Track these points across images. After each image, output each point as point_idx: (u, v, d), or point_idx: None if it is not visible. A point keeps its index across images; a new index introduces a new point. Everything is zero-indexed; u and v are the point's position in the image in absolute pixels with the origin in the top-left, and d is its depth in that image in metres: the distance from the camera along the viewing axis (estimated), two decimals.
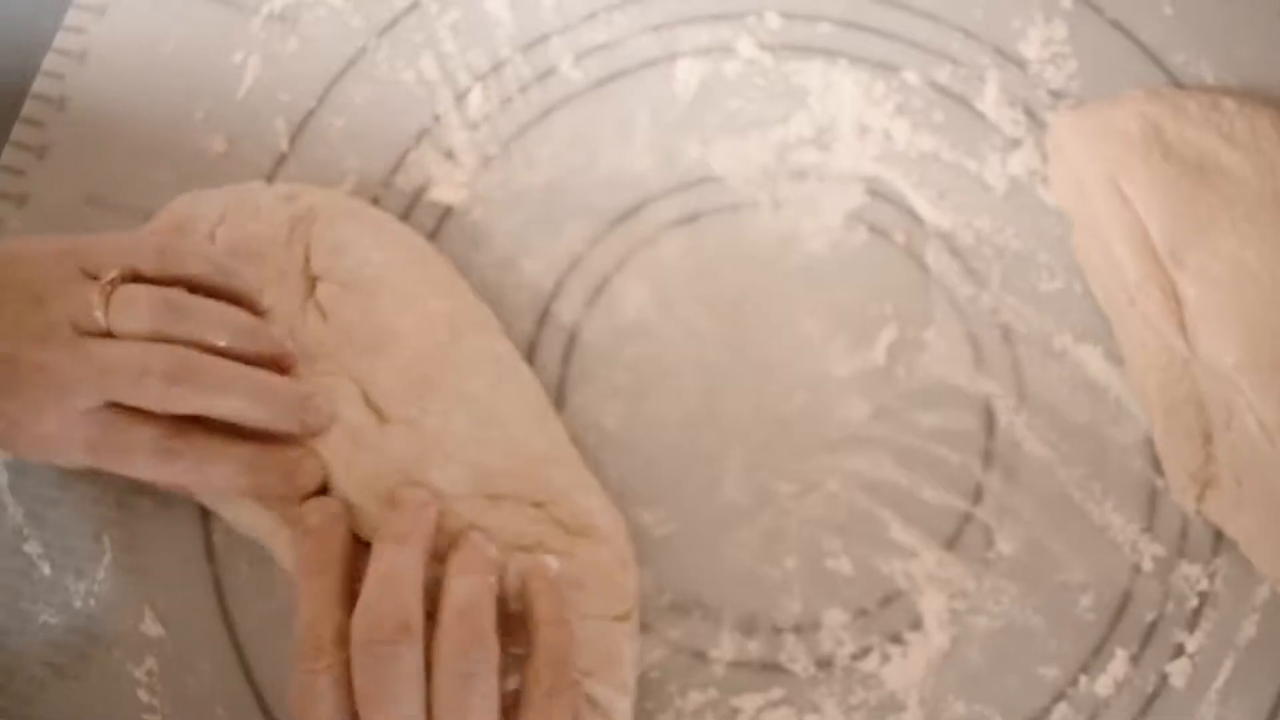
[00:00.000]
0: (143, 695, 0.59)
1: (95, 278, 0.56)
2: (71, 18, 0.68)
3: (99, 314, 0.56)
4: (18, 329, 0.55)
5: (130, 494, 0.61)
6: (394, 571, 0.54)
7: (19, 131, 0.66)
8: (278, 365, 0.59)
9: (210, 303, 0.58)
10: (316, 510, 0.57)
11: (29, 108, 0.66)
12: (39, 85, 0.67)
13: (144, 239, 0.59)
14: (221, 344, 0.57)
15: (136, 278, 0.57)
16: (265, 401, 0.57)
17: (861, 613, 0.59)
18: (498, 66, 0.66)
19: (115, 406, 0.56)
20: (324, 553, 0.56)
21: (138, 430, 0.56)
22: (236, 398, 0.56)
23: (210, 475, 0.57)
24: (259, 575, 0.60)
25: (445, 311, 0.60)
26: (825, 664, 0.59)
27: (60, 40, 0.67)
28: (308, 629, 0.54)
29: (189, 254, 0.58)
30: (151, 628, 0.60)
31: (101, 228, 0.64)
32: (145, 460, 0.56)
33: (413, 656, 0.52)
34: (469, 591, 0.54)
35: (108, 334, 0.56)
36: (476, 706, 0.52)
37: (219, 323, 0.57)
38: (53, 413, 0.55)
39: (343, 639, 0.53)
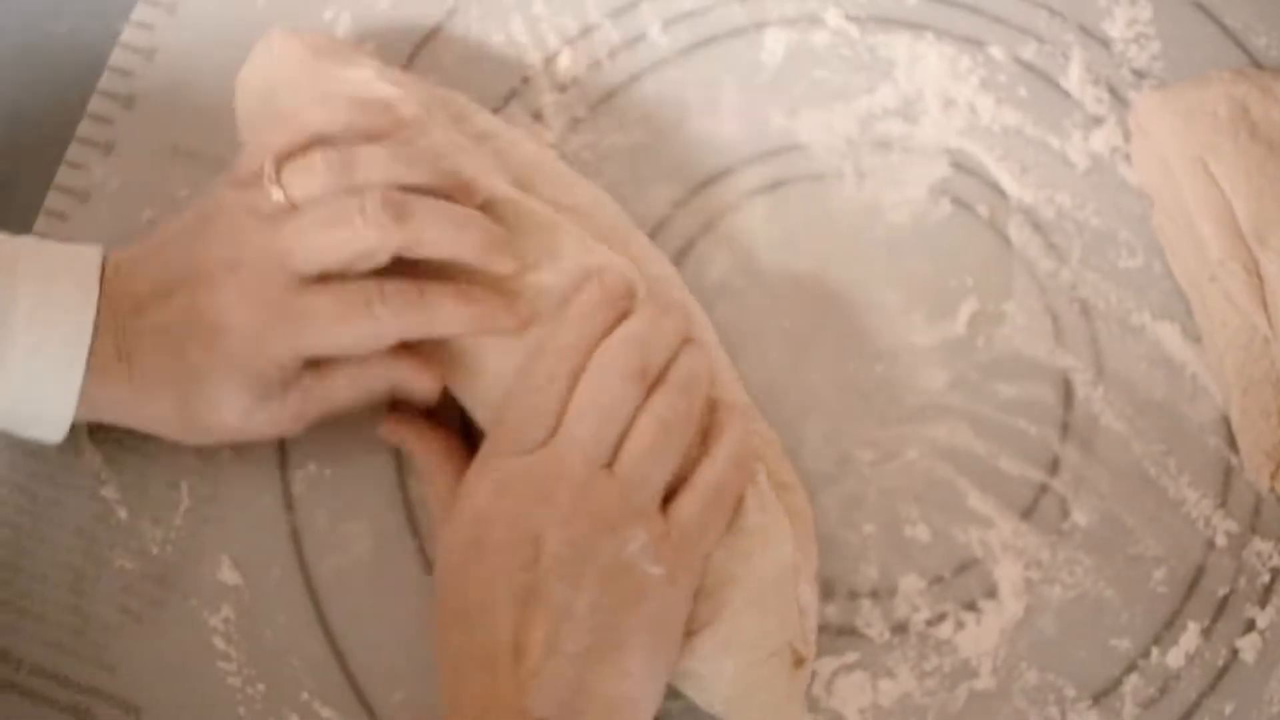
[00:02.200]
0: (218, 643, 0.59)
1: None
2: None
3: (275, 190, 0.56)
4: (204, 251, 0.56)
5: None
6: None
7: (107, 80, 0.66)
8: (461, 194, 0.58)
9: (375, 146, 0.57)
10: None
11: (117, 56, 0.67)
12: (128, 35, 0.67)
13: (274, 128, 0.59)
14: (409, 180, 0.57)
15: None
16: (471, 229, 0.57)
17: (937, 580, 0.60)
18: (587, 31, 0.67)
19: None
20: None
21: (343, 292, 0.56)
22: (449, 227, 0.56)
23: (438, 313, 0.56)
24: (337, 527, 0.61)
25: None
26: (900, 629, 0.59)
27: None
28: None
29: (326, 107, 0.58)
30: (229, 576, 0.60)
31: (186, 178, 0.65)
32: (382, 309, 0.56)
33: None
34: (697, 361, 0.57)
35: (293, 209, 0.56)
36: (661, 455, 0.54)
37: (392, 159, 0.57)
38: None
39: None
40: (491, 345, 0.57)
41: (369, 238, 0.55)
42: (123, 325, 0.56)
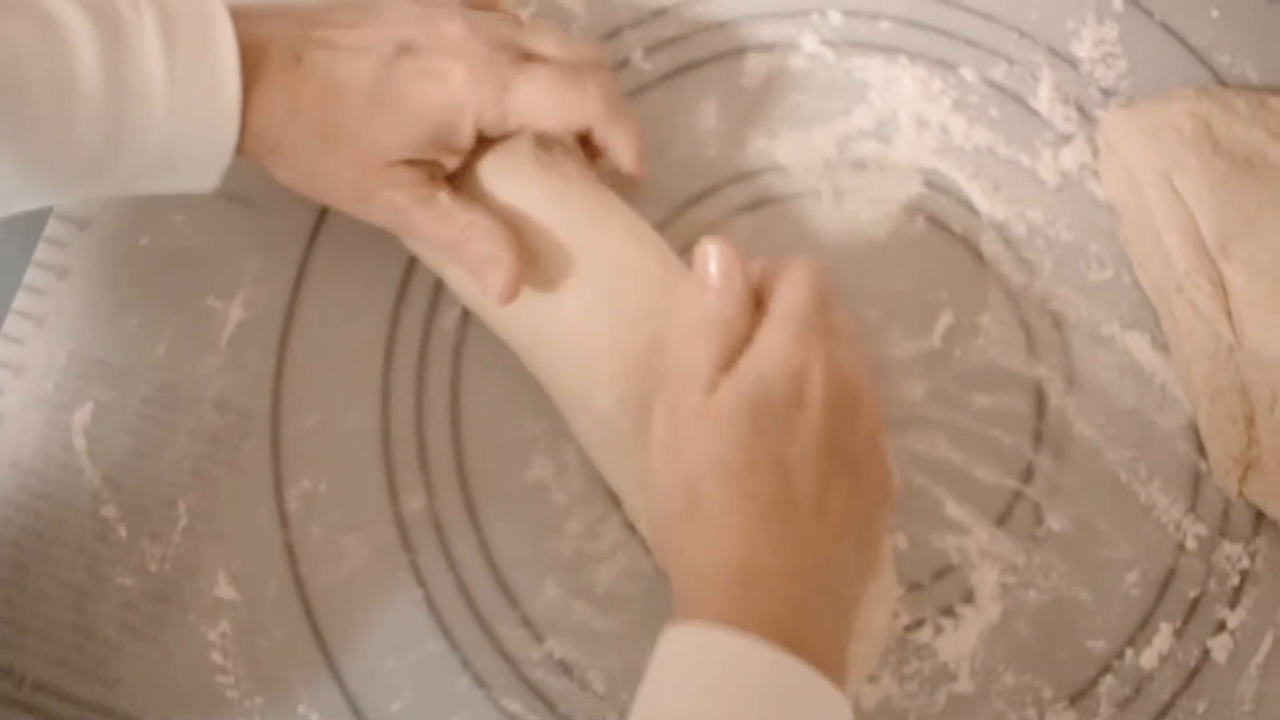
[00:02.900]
0: (216, 657, 0.60)
1: None
2: None
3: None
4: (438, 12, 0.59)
5: (206, 462, 0.63)
6: None
7: None
8: None
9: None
10: None
11: None
12: None
13: None
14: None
15: None
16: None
17: (916, 586, 0.61)
18: None
19: None
20: None
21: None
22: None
23: (626, 120, 0.61)
24: (332, 542, 0.62)
25: None
26: None
27: None
28: None
29: None
30: (225, 591, 0.61)
31: (181, 204, 0.66)
32: (592, 84, 0.59)
33: None
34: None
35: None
36: None
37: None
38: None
39: None
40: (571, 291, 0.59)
41: (592, 56, 0.61)
42: (302, 39, 0.57)
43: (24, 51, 0.52)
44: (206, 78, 0.55)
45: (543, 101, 0.58)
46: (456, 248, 0.59)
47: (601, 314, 0.58)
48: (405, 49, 0.57)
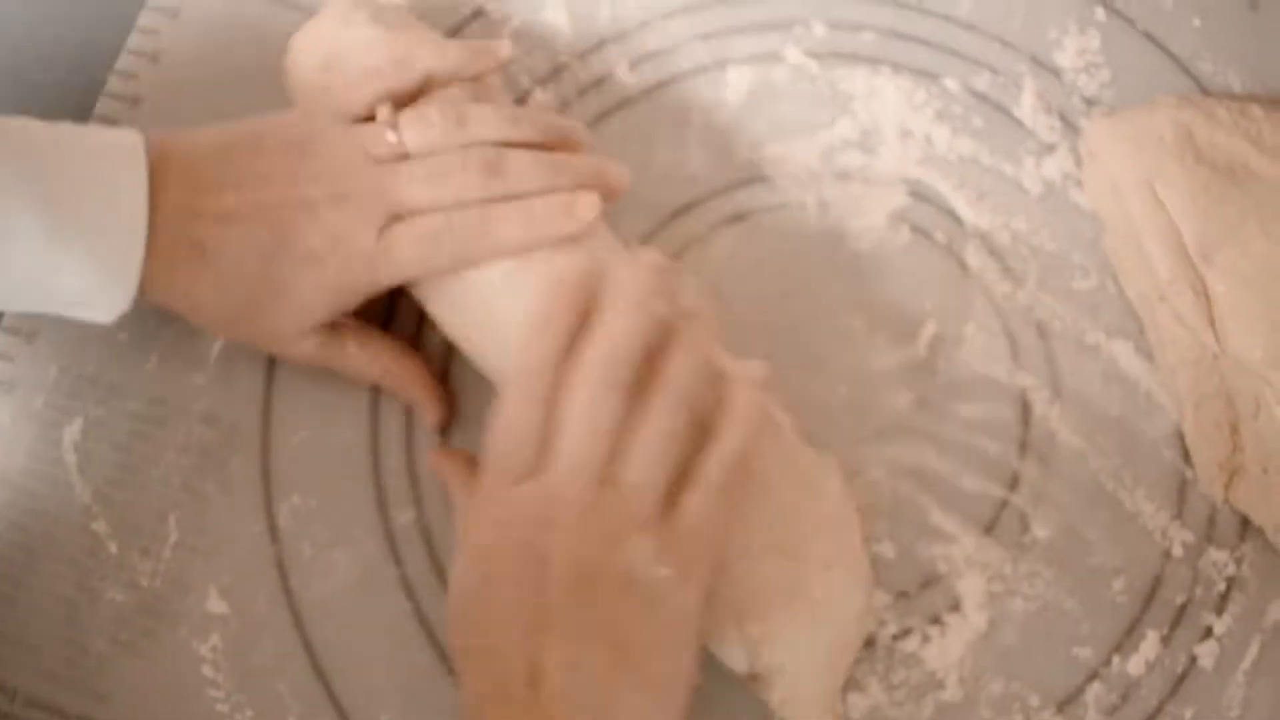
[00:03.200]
0: (207, 671, 0.61)
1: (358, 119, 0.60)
2: None
3: (392, 135, 0.59)
4: (308, 177, 0.58)
5: (196, 477, 0.63)
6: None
7: (113, 84, 0.69)
8: (566, 145, 0.61)
9: (484, 105, 0.61)
10: None
11: (123, 61, 0.70)
12: (135, 41, 0.71)
13: (373, 72, 0.61)
14: (515, 137, 0.60)
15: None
16: (565, 174, 0.59)
17: (903, 595, 0.61)
18: (556, 71, 0.68)
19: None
20: None
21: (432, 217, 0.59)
22: (541, 177, 0.59)
23: (513, 226, 0.59)
24: (321, 556, 0.62)
25: None
26: (868, 644, 0.61)
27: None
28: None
29: (419, 60, 0.61)
30: (216, 606, 0.61)
31: None
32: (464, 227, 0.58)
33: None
34: (688, 355, 0.55)
35: (404, 157, 0.59)
36: (661, 463, 0.53)
37: (500, 118, 0.60)
38: (353, 235, 0.58)
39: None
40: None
41: (469, 190, 0.58)
42: (197, 216, 0.58)
43: None
44: (104, 253, 0.56)
45: (425, 257, 0.59)
46: (383, 388, 0.64)
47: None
48: (282, 229, 0.58)
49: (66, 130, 0.57)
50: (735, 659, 0.57)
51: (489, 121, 0.60)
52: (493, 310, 0.59)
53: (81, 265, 0.56)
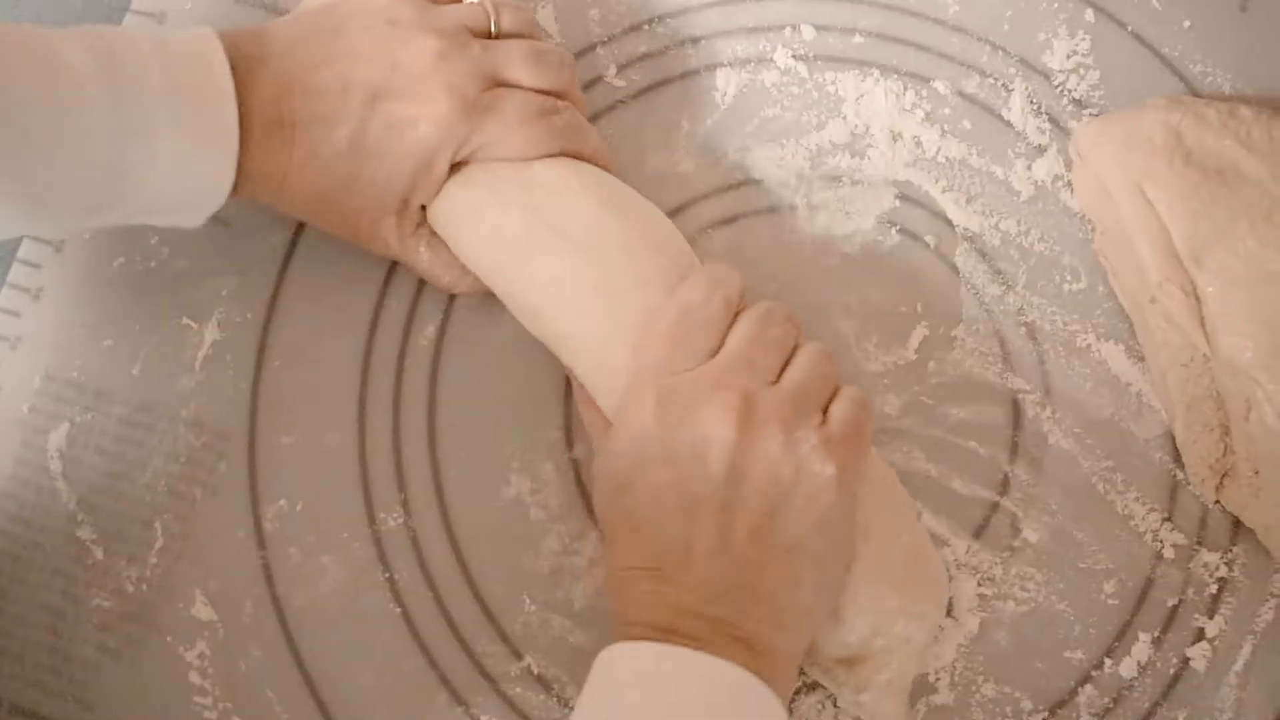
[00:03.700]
0: (194, 678, 0.60)
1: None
2: None
3: (490, 9, 0.62)
4: (399, 44, 0.59)
5: (182, 482, 0.63)
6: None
7: None
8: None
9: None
10: None
11: None
12: None
13: None
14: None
15: None
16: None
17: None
18: None
19: None
20: None
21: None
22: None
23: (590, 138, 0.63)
24: (308, 561, 0.62)
25: None
26: None
27: None
28: None
29: None
30: (203, 612, 0.61)
31: None
32: (557, 120, 0.61)
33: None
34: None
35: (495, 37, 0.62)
36: (823, 376, 0.57)
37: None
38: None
39: None
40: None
41: (563, 82, 0.62)
42: (287, 93, 0.58)
43: (28, 95, 0.53)
44: (205, 133, 0.56)
45: (511, 139, 0.60)
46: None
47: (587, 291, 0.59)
48: (373, 98, 0.58)
49: (140, 33, 0.57)
50: (857, 629, 0.56)
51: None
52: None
53: (190, 156, 0.56)
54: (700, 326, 0.56)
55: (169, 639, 0.61)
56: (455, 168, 0.61)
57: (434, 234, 0.62)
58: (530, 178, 0.60)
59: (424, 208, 0.62)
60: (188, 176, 0.57)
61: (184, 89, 0.55)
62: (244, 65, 0.57)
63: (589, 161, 0.62)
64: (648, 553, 0.53)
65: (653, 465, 0.53)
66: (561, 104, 0.62)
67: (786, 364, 0.57)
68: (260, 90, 0.58)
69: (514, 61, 0.61)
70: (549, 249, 0.59)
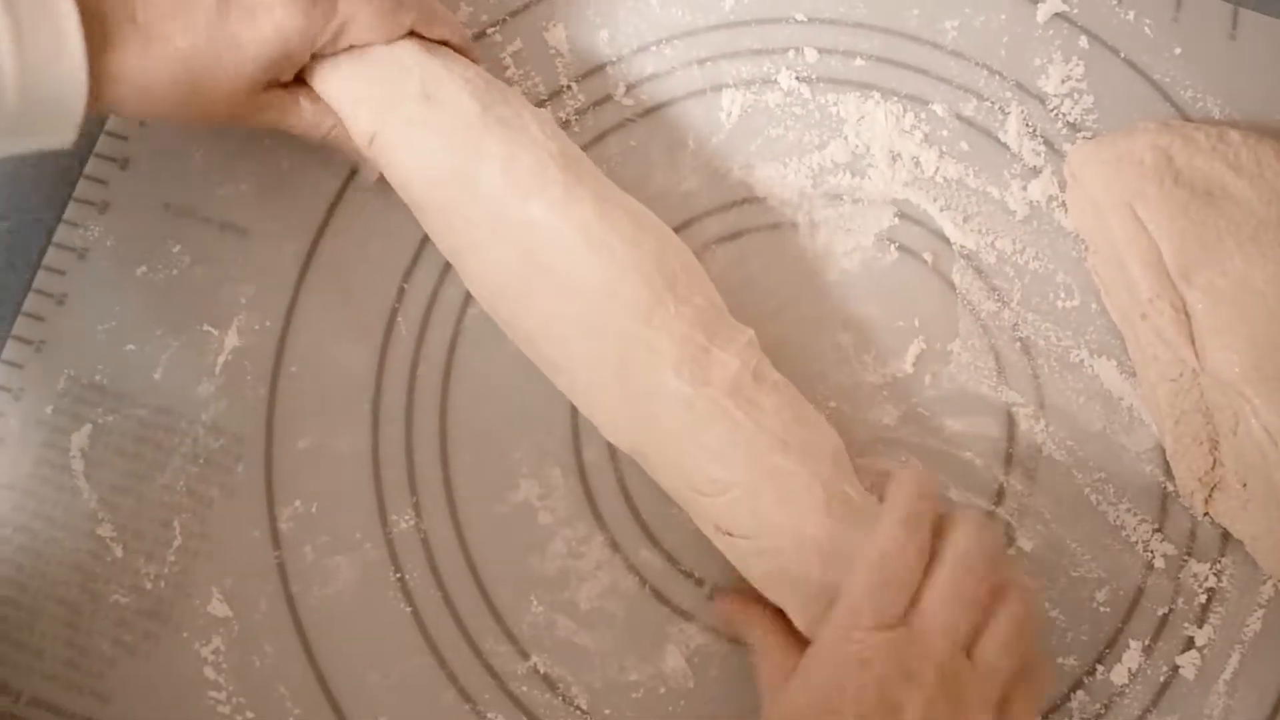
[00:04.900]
0: (209, 673, 0.62)
1: None
2: None
3: None
4: None
5: (200, 483, 0.64)
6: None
7: (103, 144, 0.70)
8: None
9: None
10: None
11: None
12: None
13: None
14: None
15: None
16: None
17: None
18: (556, 94, 0.70)
19: None
20: None
21: None
22: None
23: None
24: (322, 561, 0.63)
25: None
26: None
27: None
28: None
29: None
30: (219, 609, 0.63)
31: (178, 234, 0.68)
32: None
33: None
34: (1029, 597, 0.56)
35: None
36: (1013, 653, 0.55)
37: None
38: None
39: None
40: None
41: None
42: None
43: None
44: (51, 46, 0.54)
45: (364, 19, 0.61)
46: (327, 147, 0.65)
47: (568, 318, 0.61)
48: None
49: None
50: None
51: None
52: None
53: (34, 68, 0.54)
54: (896, 578, 0.55)
55: (185, 635, 0.62)
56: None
57: (303, 86, 0.63)
58: (525, 216, 0.61)
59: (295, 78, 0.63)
60: (35, 86, 0.55)
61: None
62: None
63: (446, 37, 0.64)
64: None
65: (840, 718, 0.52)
66: None
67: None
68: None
69: None
70: (537, 284, 0.60)
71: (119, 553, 0.64)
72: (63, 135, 0.57)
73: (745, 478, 0.58)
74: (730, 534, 0.58)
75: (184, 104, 0.60)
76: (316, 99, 0.63)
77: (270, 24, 0.59)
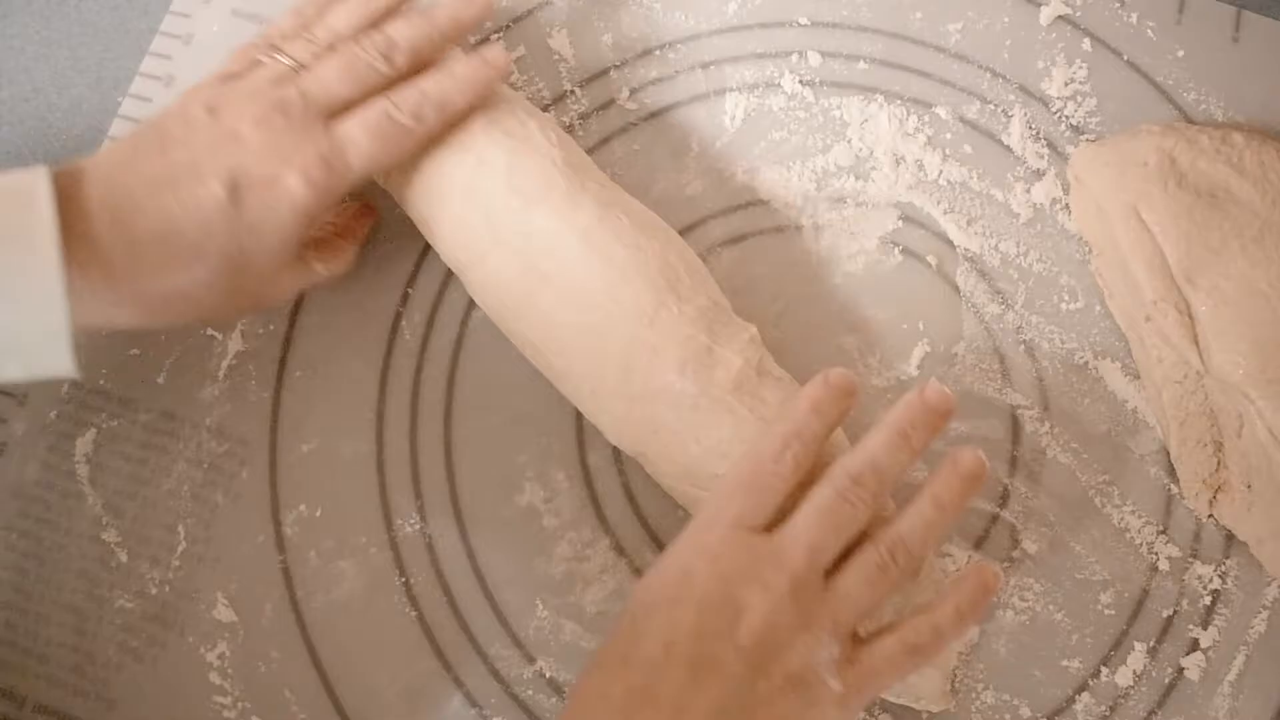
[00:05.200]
0: (214, 678, 0.62)
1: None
2: None
3: (277, 56, 0.61)
4: (229, 115, 0.59)
5: (205, 488, 0.64)
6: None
7: None
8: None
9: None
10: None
11: (117, 127, 0.71)
12: (127, 107, 0.72)
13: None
14: (365, 12, 0.63)
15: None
16: (439, 23, 0.63)
17: (895, 608, 0.63)
18: (560, 98, 0.70)
19: None
20: None
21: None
22: (427, 34, 0.63)
23: (447, 84, 0.62)
24: (327, 566, 0.63)
25: None
26: None
27: None
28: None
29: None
30: (224, 614, 0.63)
31: None
32: (400, 113, 0.61)
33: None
34: (928, 516, 0.56)
35: (298, 69, 0.61)
36: (875, 590, 0.54)
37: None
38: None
39: None
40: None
41: (380, 68, 0.61)
42: (129, 199, 0.56)
43: None
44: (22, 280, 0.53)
45: (373, 155, 0.60)
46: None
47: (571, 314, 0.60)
48: (235, 189, 0.57)
49: None
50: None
51: (342, 4, 0.63)
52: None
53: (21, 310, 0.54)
54: (769, 485, 0.55)
55: (190, 640, 0.62)
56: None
57: (316, 248, 0.63)
58: (528, 225, 0.61)
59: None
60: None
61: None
62: (73, 204, 0.55)
63: (482, 92, 0.63)
64: (639, 690, 0.51)
65: (686, 606, 0.53)
66: (401, 93, 0.61)
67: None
68: (97, 221, 0.56)
69: (330, 85, 0.60)
70: (539, 293, 0.60)
71: (124, 558, 0.64)
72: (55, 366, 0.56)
73: None
74: None
75: (234, 300, 0.60)
76: (329, 256, 0.64)
77: (288, 207, 0.58)
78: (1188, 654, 0.62)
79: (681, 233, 0.66)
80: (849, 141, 0.70)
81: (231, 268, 0.58)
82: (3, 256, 0.53)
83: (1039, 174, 0.69)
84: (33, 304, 0.53)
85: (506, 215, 0.61)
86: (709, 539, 0.54)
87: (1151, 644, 0.63)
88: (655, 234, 0.62)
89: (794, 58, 0.71)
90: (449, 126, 0.62)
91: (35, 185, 0.54)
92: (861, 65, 0.71)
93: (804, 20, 0.71)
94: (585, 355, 0.60)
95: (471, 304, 0.67)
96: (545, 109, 0.70)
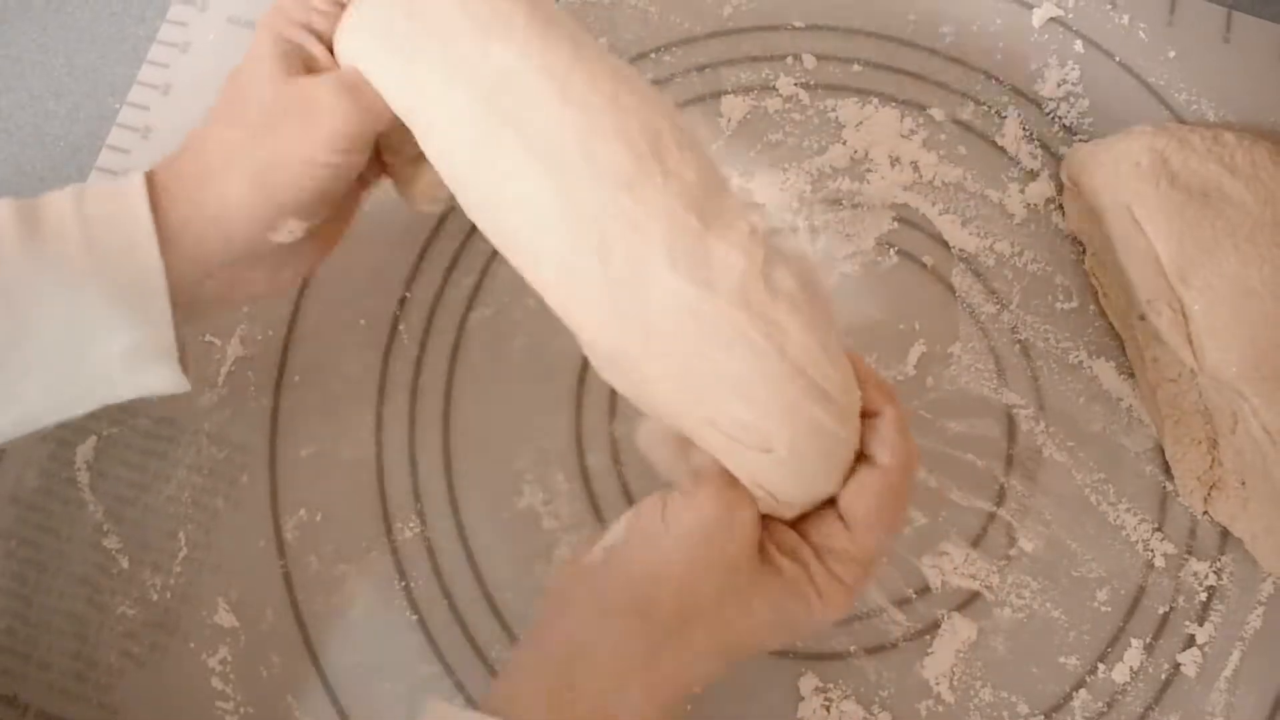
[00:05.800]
0: (216, 683, 0.62)
1: None
2: None
3: None
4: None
5: (205, 494, 0.65)
6: None
7: (105, 159, 0.70)
8: None
9: None
10: None
11: (115, 136, 0.71)
12: (125, 115, 0.72)
13: None
14: None
15: None
16: None
17: (893, 606, 0.63)
18: None
19: None
20: None
21: None
22: None
23: None
24: (328, 570, 0.63)
25: None
26: (861, 653, 0.62)
27: None
28: None
29: None
30: (225, 619, 0.63)
31: None
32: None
33: None
34: None
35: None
36: None
37: None
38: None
39: None
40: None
41: None
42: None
43: None
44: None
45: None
46: None
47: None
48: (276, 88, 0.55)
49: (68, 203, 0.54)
50: None
51: None
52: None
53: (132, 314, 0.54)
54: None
55: (192, 645, 0.63)
56: None
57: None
58: (489, 63, 0.52)
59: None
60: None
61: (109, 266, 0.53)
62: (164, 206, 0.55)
63: None
64: (558, 663, 0.51)
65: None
66: None
67: None
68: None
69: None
70: (507, 161, 0.52)
71: (125, 564, 0.64)
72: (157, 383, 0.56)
73: (781, 431, 0.50)
74: (769, 494, 0.52)
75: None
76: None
77: (315, 119, 0.55)
78: (1184, 650, 0.63)
79: None
80: (844, 143, 0.70)
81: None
82: (112, 275, 0.53)
83: (1033, 175, 0.70)
84: (146, 323, 0.54)
85: (461, 45, 0.53)
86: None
87: (1148, 640, 0.63)
88: (636, 89, 0.53)
89: (789, 60, 0.71)
90: None
91: (133, 199, 0.54)
92: (856, 68, 0.71)
93: (799, 23, 0.72)
94: (553, 224, 0.51)
95: (470, 306, 0.67)
96: None
